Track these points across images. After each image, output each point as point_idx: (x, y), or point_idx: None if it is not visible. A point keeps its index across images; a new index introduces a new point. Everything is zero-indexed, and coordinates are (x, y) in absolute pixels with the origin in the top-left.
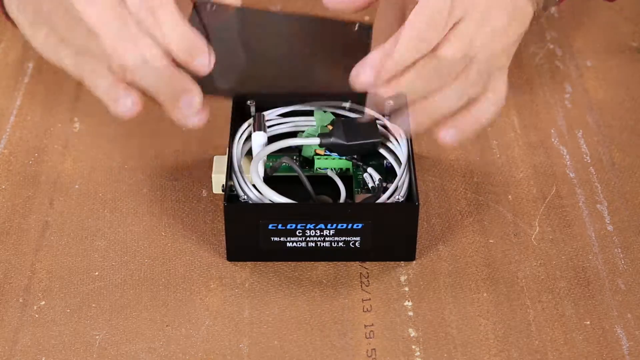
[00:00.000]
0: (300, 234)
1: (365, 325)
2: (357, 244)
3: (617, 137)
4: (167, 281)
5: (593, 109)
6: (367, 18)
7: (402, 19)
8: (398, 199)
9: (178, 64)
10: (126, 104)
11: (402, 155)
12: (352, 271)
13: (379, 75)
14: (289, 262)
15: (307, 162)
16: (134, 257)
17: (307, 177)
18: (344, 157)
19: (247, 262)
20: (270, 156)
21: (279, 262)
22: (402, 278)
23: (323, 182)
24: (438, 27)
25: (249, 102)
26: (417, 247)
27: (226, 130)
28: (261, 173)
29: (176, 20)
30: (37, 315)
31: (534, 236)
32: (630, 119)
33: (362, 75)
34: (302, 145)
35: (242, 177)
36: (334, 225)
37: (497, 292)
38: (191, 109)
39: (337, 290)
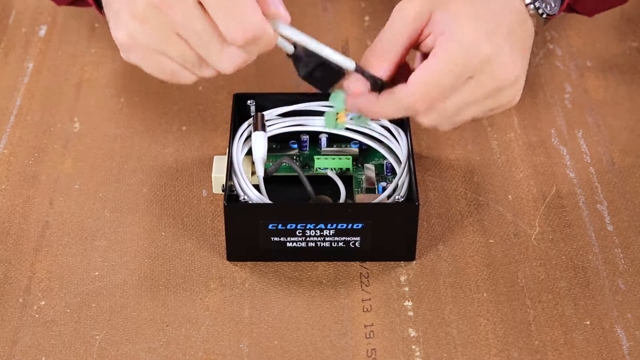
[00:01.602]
0: (300, 234)
1: (365, 325)
2: (357, 244)
3: (617, 137)
4: (167, 281)
5: (593, 109)
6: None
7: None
8: (398, 198)
9: None
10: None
11: (402, 154)
12: (352, 271)
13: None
14: (289, 262)
15: (307, 162)
16: (134, 257)
17: (307, 177)
18: (344, 156)
19: (247, 262)
20: (270, 156)
21: (279, 262)
22: (402, 278)
23: (323, 182)
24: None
25: (249, 102)
26: (417, 247)
27: (226, 130)
28: (261, 173)
29: None
30: (37, 315)
31: (534, 236)
32: (630, 119)
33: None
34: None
35: (242, 177)
36: (334, 225)
37: (497, 292)
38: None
39: (337, 290)
